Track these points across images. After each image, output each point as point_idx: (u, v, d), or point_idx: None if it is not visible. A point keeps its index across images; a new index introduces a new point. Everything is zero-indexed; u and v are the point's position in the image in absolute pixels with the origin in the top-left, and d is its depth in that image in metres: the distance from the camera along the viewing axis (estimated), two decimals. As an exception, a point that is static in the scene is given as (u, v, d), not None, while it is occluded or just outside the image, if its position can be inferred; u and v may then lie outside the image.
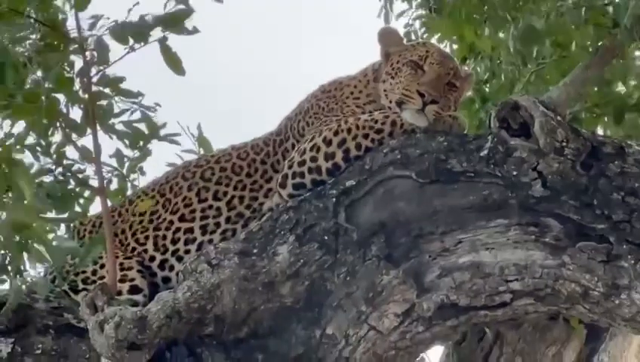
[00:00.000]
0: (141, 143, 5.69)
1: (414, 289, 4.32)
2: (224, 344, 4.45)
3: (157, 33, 4.52)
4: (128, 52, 4.53)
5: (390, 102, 4.81)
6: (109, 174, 5.92)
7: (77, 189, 4.94)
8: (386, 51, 5.06)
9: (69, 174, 4.95)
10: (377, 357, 4.42)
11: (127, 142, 5.61)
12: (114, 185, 5.99)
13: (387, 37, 5.09)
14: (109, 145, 5.41)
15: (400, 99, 4.70)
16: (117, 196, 5.64)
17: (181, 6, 4.49)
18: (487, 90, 8.79)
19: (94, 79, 4.56)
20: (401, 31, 8.82)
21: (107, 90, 4.75)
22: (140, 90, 5.13)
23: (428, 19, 8.76)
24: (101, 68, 4.55)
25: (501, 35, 7.88)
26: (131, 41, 4.48)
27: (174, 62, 4.54)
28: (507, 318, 4.42)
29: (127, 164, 6.02)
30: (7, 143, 4.89)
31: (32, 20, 4.62)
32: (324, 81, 5.24)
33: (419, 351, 4.59)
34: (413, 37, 8.88)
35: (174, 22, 4.49)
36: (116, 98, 5.02)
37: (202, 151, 6.46)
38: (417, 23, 9.08)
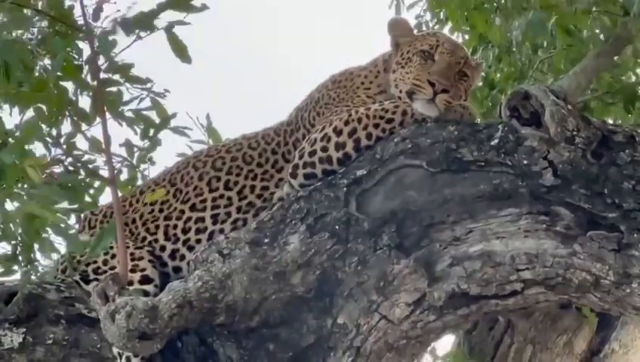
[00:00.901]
0: (151, 132, 5.69)
1: (425, 278, 4.33)
2: (235, 333, 4.47)
3: (165, 19, 4.54)
4: (135, 40, 4.54)
5: (400, 92, 4.80)
6: (119, 164, 5.92)
7: (87, 180, 4.93)
8: (396, 41, 5.04)
9: (79, 164, 4.94)
10: (388, 347, 4.43)
11: (137, 130, 5.61)
12: (124, 175, 5.99)
13: (397, 27, 5.07)
14: (118, 134, 5.42)
15: (411, 89, 4.69)
16: (127, 186, 5.65)
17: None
18: (495, 77, 8.81)
19: (103, 67, 4.57)
20: (412, 22, 8.85)
21: (116, 77, 4.75)
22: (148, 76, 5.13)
23: (436, 4, 8.78)
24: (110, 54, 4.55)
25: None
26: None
27: (180, 50, 4.55)
28: (518, 307, 4.42)
29: (137, 154, 6.02)
30: (17, 133, 4.88)
31: (37, 11, 4.63)
32: (333, 70, 5.24)
33: (430, 340, 4.59)
34: (424, 28, 8.90)
35: (180, 3, 4.49)
36: (126, 85, 5.02)
37: (212, 142, 6.46)
38: (428, 15, 9.11)
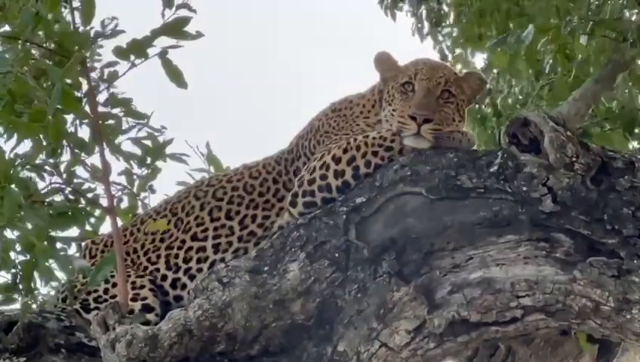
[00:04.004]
0: (149, 160, 5.70)
1: (425, 305, 4.32)
2: (236, 361, 4.45)
3: (163, 44, 4.56)
4: (130, 68, 4.56)
5: (392, 127, 4.80)
6: (119, 193, 5.92)
7: (87, 208, 4.94)
8: (383, 77, 5.03)
9: (79, 193, 4.94)
10: (389, 374, 4.42)
11: (134, 165, 5.63)
12: (124, 204, 5.98)
13: (381, 62, 5.04)
14: (118, 163, 5.42)
15: (397, 127, 4.69)
16: (127, 215, 5.64)
17: (181, 13, 4.52)
18: (499, 104, 8.86)
19: (102, 97, 4.60)
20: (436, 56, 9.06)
21: (116, 110, 4.76)
22: (148, 98, 5.15)
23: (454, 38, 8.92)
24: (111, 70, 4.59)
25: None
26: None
27: (176, 75, 4.57)
28: (518, 334, 4.41)
29: (136, 183, 6.02)
30: (16, 163, 4.88)
31: (32, 43, 4.65)
32: (332, 94, 5.26)
33: (430, 367, 4.58)
34: (446, 52, 9.02)
35: (174, 30, 4.51)
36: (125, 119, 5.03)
37: (213, 170, 6.46)
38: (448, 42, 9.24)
